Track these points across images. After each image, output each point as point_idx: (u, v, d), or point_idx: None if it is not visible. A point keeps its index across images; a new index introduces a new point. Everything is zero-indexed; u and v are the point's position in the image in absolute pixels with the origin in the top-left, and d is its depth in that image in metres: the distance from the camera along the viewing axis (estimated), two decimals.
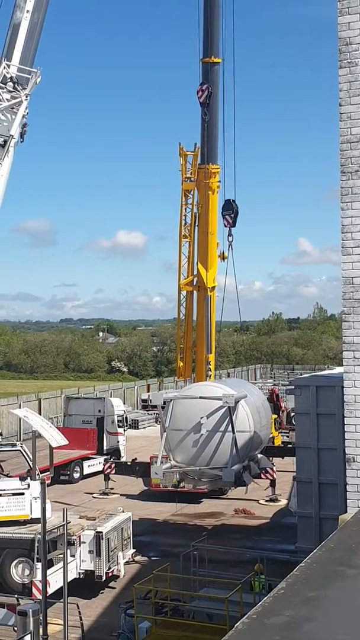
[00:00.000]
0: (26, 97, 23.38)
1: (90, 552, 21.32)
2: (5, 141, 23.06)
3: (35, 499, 21.08)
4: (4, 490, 21.70)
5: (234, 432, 24.10)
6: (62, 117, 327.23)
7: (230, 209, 35.09)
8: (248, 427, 25.01)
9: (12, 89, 23.34)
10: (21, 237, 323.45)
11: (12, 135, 23.16)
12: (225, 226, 35.43)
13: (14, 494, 21.61)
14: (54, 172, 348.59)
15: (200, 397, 24.78)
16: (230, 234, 35.34)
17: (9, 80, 23.32)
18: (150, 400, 58.11)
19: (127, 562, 22.74)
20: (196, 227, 37.21)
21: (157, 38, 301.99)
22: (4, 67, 23.29)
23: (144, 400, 61.00)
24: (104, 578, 21.46)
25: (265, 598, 5.97)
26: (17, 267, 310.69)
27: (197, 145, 36.89)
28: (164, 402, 25.50)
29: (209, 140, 35.72)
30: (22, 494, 21.57)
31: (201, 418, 24.47)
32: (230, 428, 24.16)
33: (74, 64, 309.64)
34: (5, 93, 23.21)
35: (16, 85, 23.35)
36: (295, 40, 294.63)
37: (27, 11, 23.93)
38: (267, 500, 31.20)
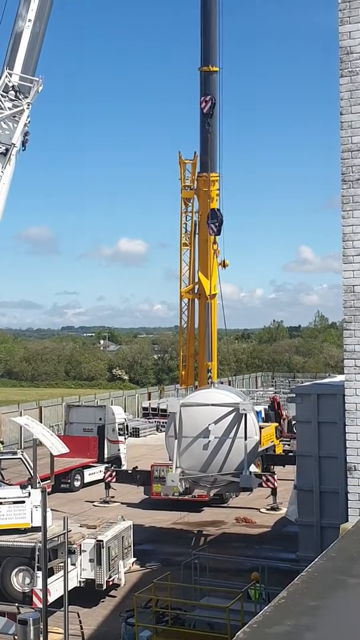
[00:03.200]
0: (28, 105, 23.46)
1: (90, 560, 21.27)
2: (7, 149, 23.13)
3: (36, 507, 21.06)
4: (5, 498, 21.67)
5: (246, 438, 24.22)
6: (64, 124, 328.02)
7: (215, 218, 35.24)
8: (255, 433, 25.23)
9: (13, 98, 23.42)
10: (23, 245, 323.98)
11: (14, 144, 23.23)
12: (211, 234, 35.56)
13: (14, 502, 21.58)
14: (56, 180, 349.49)
15: (213, 405, 24.81)
16: (215, 242, 35.44)
17: (10, 89, 23.40)
18: (159, 409, 58.15)
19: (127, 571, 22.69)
20: (196, 235, 37.31)
21: (159, 46, 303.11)
22: (6, 76, 23.38)
23: (144, 408, 60.93)
24: (104, 587, 21.40)
25: (266, 607, 5.95)
26: (19, 274, 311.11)
27: (196, 154, 37.12)
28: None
29: (209, 149, 35.95)
30: (23, 502, 21.53)
31: (209, 425, 24.51)
32: (240, 434, 24.26)
33: (74, 72, 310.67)
34: (7, 102, 23.28)
35: (18, 94, 23.43)
36: (298, 47, 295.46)
37: (29, 20, 24.03)
38: (268, 509, 31.14)
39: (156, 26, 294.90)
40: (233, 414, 24.34)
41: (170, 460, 29.88)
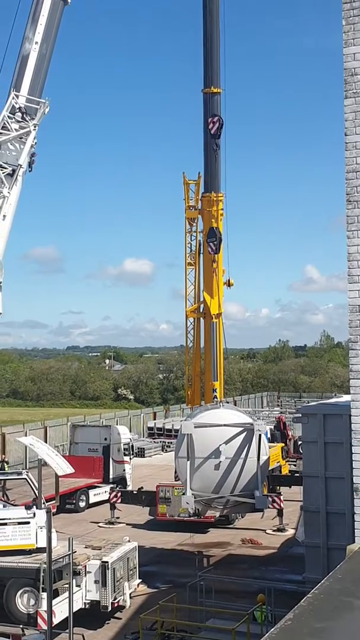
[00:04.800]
0: (34, 127, 23.64)
1: (96, 582, 21.12)
2: (13, 170, 23.29)
3: (41, 528, 20.95)
4: (10, 519, 21.58)
5: (259, 459, 24.12)
6: (70, 144, 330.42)
7: (213, 236, 35.47)
8: (266, 453, 25.17)
9: (20, 119, 23.61)
10: (29, 265, 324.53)
11: (21, 165, 23.40)
12: (210, 253, 35.78)
13: (19, 523, 21.48)
14: (62, 200, 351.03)
15: (226, 425, 24.74)
16: (214, 261, 35.61)
17: (17, 110, 23.60)
18: (165, 428, 58.04)
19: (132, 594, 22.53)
20: (201, 255, 37.47)
21: (166, 67, 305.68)
22: (13, 98, 23.59)
23: (150, 428, 60.79)
24: (109, 608, 21.24)
25: (272, 629, 5.91)
26: (25, 294, 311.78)
27: (200, 174, 37.40)
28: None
29: (214, 169, 36.25)
30: (28, 522, 21.44)
31: (220, 445, 24.41)
32: (251, 454, 24.17)
33: (80, 91, 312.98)
34: (14, 123, 23.47)
35: (25, 116, 23.63)
36: (302, 68, 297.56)
37: (36, 42, 24.29)
38: (274, 530, 30.92)
39: (160, 47, 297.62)
40: (244, 434, 24.26)
41: (177, 480, 29.79)
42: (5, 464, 38.22)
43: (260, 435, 24.30)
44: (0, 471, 34.82)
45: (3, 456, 42.16)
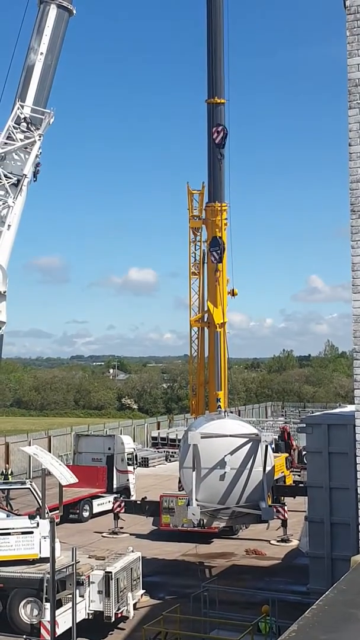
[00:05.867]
0: (39, 137, 23.73)
1: (99, 592, 21.06)
2: (18, 180, 23.35)
3: (45, 537, 20.92)
4: (13, 528, 21.55)
5: (265, 469, 24.05)
6: (74, 153, 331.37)
7: (216, 245, 35.55)
8: (271, 463, 25.10)
9: (25, 129, 23.70)
10: (33, 274, 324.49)
11: (26, 175, 23.47)
12: (213, 262, 35.88)
13: (23, 533, 21.45)
14: (67, 209, 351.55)
15: (232, 435, 24.67)
16: (217, 270, 35.68)
17: (22, 120, 23.69)
18: (169, 438, 57.96)
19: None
20: (205, 264, 37.55)
21: (173, 76, 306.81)
22: (18, 108, 23.69)
23: (154, 438, 60.72)
24: (113, 619, 21.16)
25: None
26: (29, 303, 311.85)
27: (204, 184, 37.58)
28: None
29: (218, 179, 36.40)
30: (32, 532, 21.40)
31: (225, 455, 24.33)
32: (256, 465, 24.09)
33: (82, 98, 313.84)
34: (19, 133, 23.57)
35: (30, 126, 23.72)
36: (307, 78, 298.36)
37: (41, 53, 24.42)
38: (278, 541, 30.82)
39: (166, 54, 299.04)
40: (249, 445, 24.18)
41: (180, 490, 29.71)
42: (9, 476, 38.15)
43: (266, 446, 24.24)
44: (4, 481, 34.79)
45: (7, 466, 42.13)
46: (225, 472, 24.18)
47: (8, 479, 36.33)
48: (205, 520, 25.85)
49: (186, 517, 26.47)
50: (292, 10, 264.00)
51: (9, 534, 21.38)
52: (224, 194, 36.77)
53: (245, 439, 24.31)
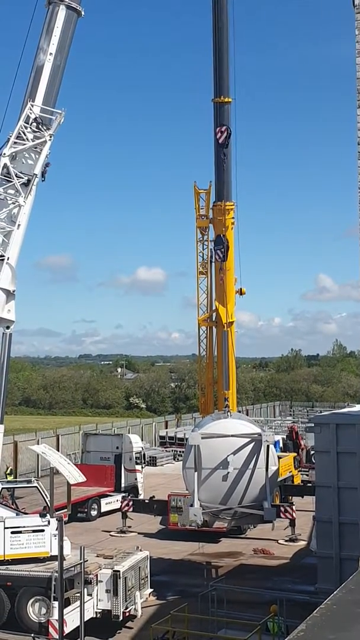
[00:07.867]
0: (50, 137, 23.73)
1: (107, 591, 21.09)
2: (29, 180, 23.39)
3: (56, 535, 20.95)
4: (25, 527, 21.60)
5: (267, 470, 24.00)
6: (83, 152, 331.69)
7: (220, 244, 35.53)
8: (274, 463, 25.02)
9: (35, 129, 23.72)
10: (42, 273, 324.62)
11: (36, 175, 23.49)
12: (217, 260, 35.84)
13: (34, 531, 21.51)
14: (76, 208, 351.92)
15: (233, 436, 24.65)
16: (221, 269, 35.67)
17: (32, 120, 23.72)
18: (177, 437, 57.96)
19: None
20: (212, 264, 37.52)
21: (182, 75, 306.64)
22: (28, 108, 23.71)
23: (162, 437, 60.77)
24: (121, 618, 21.19)
25: None
26: (38, 302, 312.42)
27: (211, 183, 37.53)
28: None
29: (224, 178, 36.35)
30: (43, 530, 21.46)
31: (228, 456, 24.28)
32: (259, 465, 24.05)
33: (91, 98, 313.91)
34: (29, 133, 23.58)
35: (40, 126, 23.73)
36: (315, 77, 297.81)
37: (50, 53, 24.43)
38: (286, 540, 30.79)
39: (173, 52, 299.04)
40: (252, 445, 24.13)
41: (186, 490, 29.73)
42: (8, 476, 38.17)
43: (268, 446, 24.15)
44: (9, 479, 34.89)
45: (9, 466, 42.14)
46: (228, 473, 24.18)
47: (7, 478, 36.44)
48: (208, 521, 25.86)
49: (190, 518, 26.45)
50: (300, 6, 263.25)
51: (20, 532, 21.44)
52: (230, 193, 36.71)
53: (248, 439, 24.24)
